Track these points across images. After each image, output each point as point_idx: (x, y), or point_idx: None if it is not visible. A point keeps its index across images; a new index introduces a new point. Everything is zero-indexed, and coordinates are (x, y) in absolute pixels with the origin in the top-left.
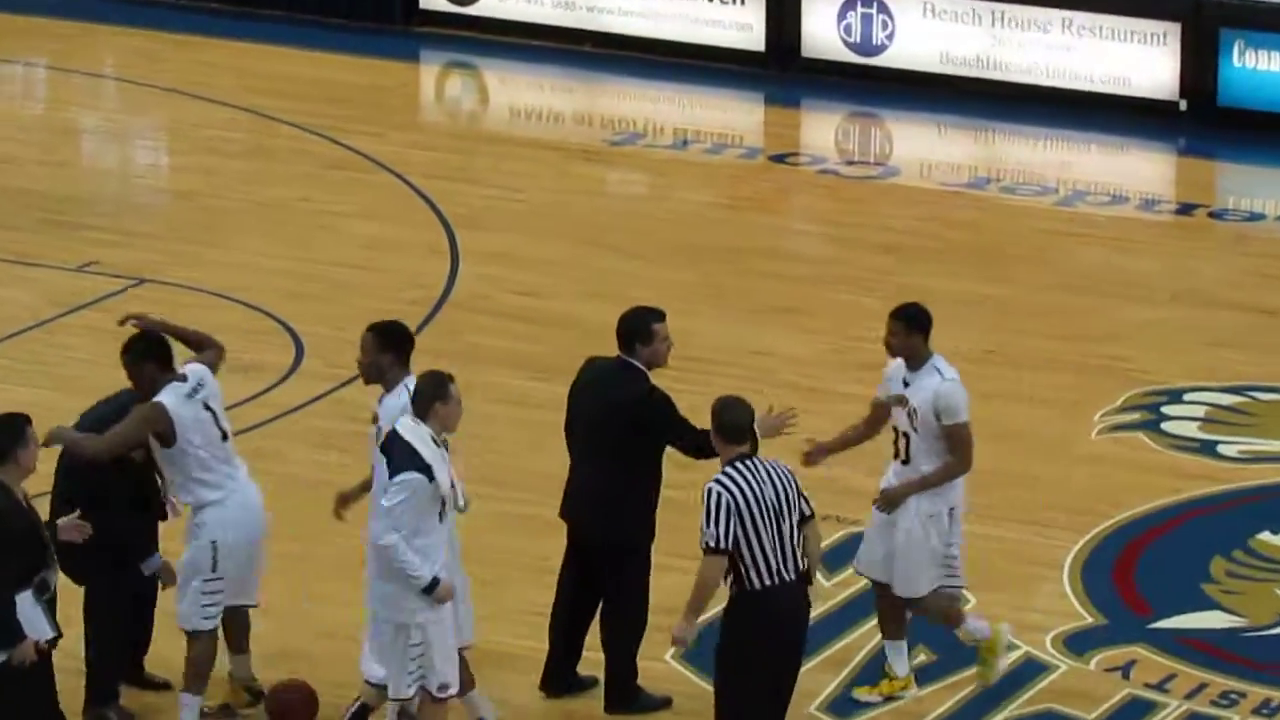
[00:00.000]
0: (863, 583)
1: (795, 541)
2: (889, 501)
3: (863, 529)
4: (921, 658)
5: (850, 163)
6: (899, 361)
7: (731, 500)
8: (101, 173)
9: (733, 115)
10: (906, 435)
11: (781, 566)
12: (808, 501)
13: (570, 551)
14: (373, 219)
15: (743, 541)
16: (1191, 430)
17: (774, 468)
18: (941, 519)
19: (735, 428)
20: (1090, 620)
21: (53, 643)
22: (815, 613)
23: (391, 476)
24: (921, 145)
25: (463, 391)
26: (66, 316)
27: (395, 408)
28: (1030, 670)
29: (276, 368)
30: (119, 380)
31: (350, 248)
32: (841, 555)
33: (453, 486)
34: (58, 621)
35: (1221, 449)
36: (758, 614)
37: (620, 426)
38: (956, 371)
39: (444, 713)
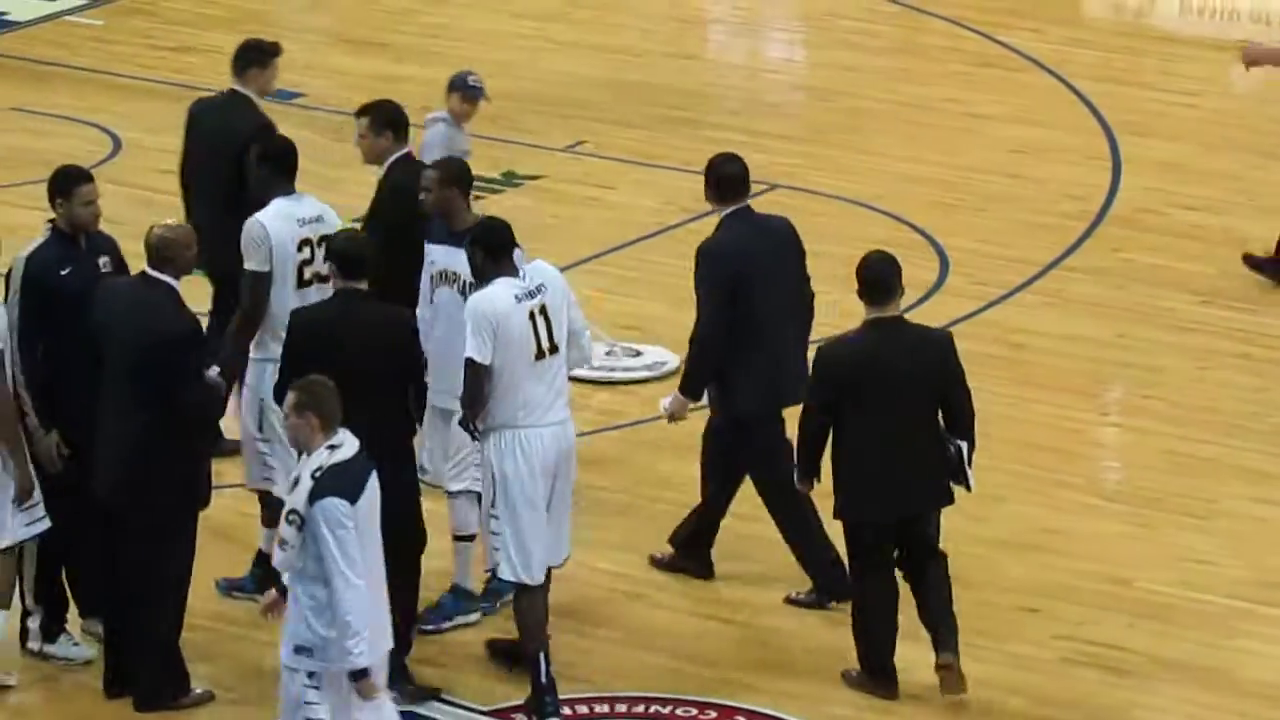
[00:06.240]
0: None
1: None
2: None
3: None
4: None
5: None
6: None
7: None
8: (730, 67)
9: None
10: None
11: None
12: None
13: None
14: (1027, 123)
15: None
16: None
17: None
18: None
19: None
20: None
21: None
22: None
23: None
24: None
25: (1122, 314)
26: (693, 223)
27: None
28: None
29: (920, 284)
30: None
31: (1000, 154)
32: None
33: None
34: None
35: None
36: None
37: None
38: None
39: None
